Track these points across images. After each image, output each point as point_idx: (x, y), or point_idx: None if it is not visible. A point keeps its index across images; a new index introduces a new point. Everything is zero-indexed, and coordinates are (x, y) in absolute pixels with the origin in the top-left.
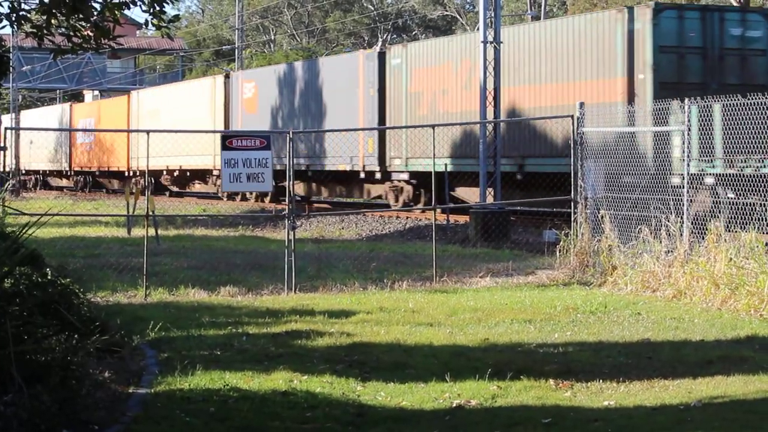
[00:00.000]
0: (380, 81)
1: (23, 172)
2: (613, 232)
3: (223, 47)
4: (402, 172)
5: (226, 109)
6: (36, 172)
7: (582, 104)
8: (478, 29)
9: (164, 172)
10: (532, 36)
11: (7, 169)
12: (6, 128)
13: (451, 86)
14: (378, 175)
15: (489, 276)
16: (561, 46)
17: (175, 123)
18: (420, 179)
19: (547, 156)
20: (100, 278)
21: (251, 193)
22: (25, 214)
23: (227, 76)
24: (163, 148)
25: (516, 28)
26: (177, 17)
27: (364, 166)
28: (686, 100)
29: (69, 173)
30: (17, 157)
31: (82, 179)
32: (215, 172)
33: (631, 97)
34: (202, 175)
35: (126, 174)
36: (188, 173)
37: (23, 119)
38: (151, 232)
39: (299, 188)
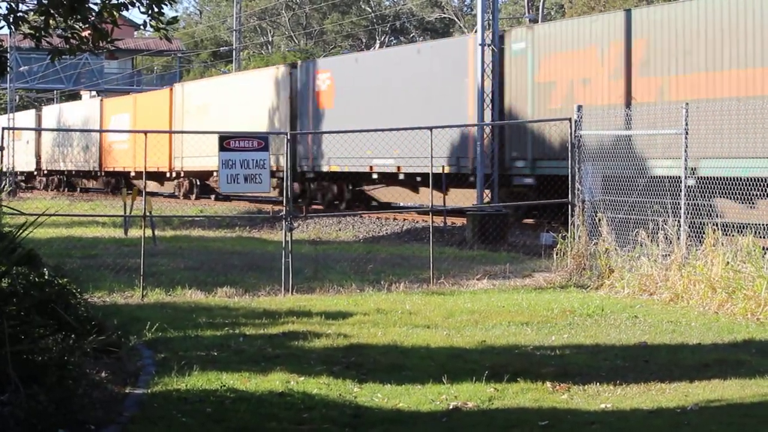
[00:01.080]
0: (498, 69)
1: (45, 172)
2: (610, 235)
3: (221, 48)
4: (527, 176)
5: (293, 104)
6: (60, 172)
7: (580, 107)
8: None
9: (214, 174)
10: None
11: (5, 169)
12: (3, 128)
13: (594, 74)
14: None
15: (486, 278)
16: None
17: (227, 120)
18: (544, 182)
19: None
20: (97, 278)
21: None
22: (22, 214)
23: (294, 66)
24: (212, 147)
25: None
26: (175, 19)
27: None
28: (685, 104)
29: (98, 174)
30: (39, 155)
31: (113, 181)
32: (279, 174)
33: None
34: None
35: (168, 175)
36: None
37: (46, 115)
38: (148, 232)
39: (393, 195)
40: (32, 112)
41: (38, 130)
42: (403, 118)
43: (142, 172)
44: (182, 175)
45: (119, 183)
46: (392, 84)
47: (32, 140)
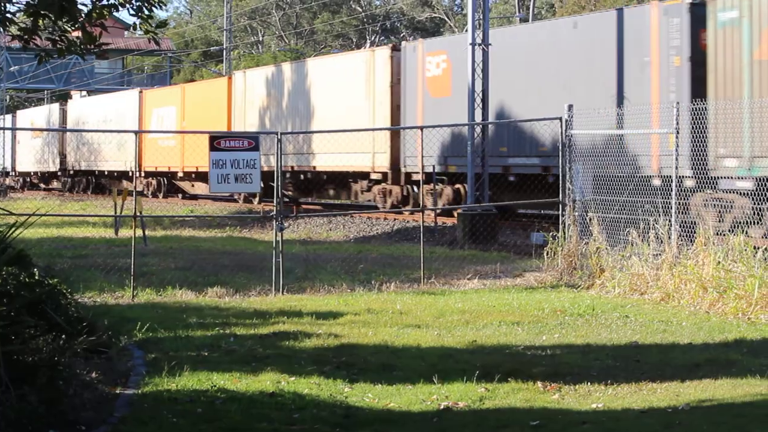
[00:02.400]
0: (694, 45)
1: (70, 172)
2: (601, 234)
3: (212, 48)
4: (741, 178)
5: (394, 92)
6: (88, 172)
7: (570, 106)
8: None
9: (288, 175)
10: None
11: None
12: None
13: None
14: (689, 182)
15: (477, 278)
16: None
17: (304, 113)
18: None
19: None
20: (87, 279)
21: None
22: (12, 214)
23: (396, 49)
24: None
25: None
26: (165, 23)
27: (660, 169)
28: (675, 102)
29: (136, 174)
30: (63, 155)
31: (154, 182)
32: (374, 176)
33: None
34: (343, 179)
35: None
36: (325, 176)
37: (73, 109)
38: (139, 232)
39: None
40: (56, 106)
41: (33, 130)
42: (550, 104)
43: (191, 173)
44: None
45: (161, 185)
46: (538, 64)
47: (54, 137)
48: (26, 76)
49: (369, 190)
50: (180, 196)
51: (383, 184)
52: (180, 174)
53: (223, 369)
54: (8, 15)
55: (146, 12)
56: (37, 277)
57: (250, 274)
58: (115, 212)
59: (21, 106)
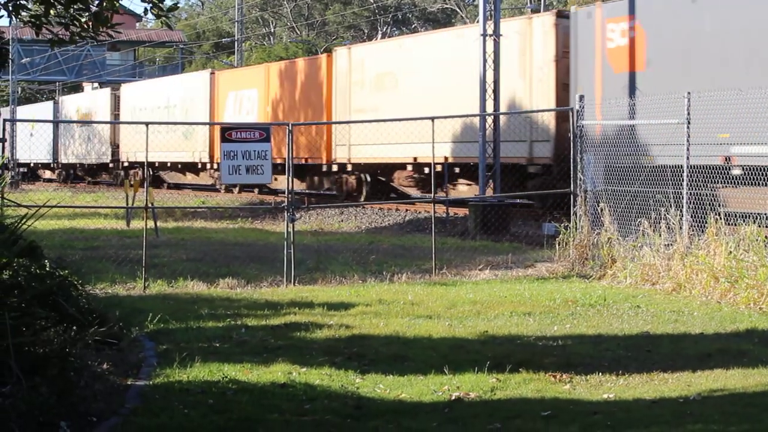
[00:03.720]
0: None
1: (125, 164)
2: (612, 225)
3: (223, 40)
4: None
5: (560, 67)
6: (149, 164)
7: (582, 97)
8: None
9: (408, 167)
10: None
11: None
12: (5, 120)
13: None
14: None
15: (488, 269)
16: None
17: (435, 94)
18: None
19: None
20: (99, 270)
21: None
22: (23, 206)
23: (561, 15)
24: (405, 132)
25: None
26: (176, 6)
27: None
28: (686, 93)
29: (207, 167)
30: (116, 145)
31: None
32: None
33: None
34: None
35: (325, 169)
36: (457, 168)
37: (126, 94)
38: (150, 224)
39: None
40: (106, 91)
41: (37, 122)
42: None
43: (281, 165)
44: (349, 168)
45: None
46: None
47: (106, 126)
48: (38, 68)
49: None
50: (256, 191)
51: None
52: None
53: (234, 360)
54: (21, 2)
55: None
56: (48, 269)
57: (261, 265)
58: (127, 203)
59: (32, 98)
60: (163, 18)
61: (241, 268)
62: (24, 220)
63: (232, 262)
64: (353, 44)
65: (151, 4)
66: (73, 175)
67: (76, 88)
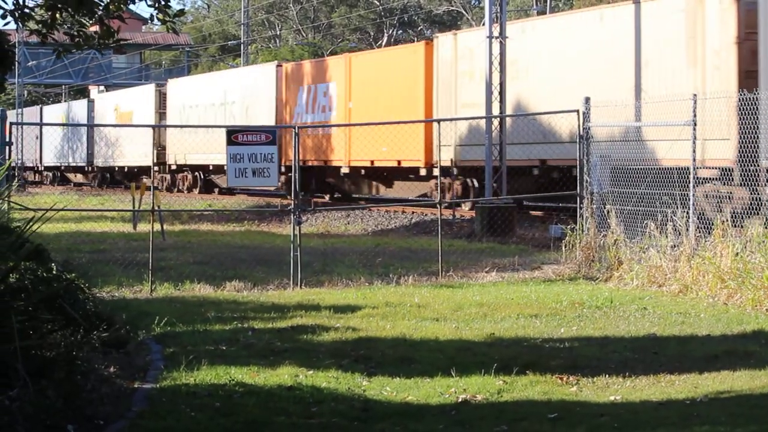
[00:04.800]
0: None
1: (173, 166)
2: (619, 227)
3: (229, 43)
4: None
5: (742, 50)
6: (197, 167)
7: (588, 99)
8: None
9: (535, 169)
10: None
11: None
12: (11, 123)
13: None
14: None
15: (495, 271)
16: None
17: (573, 84)
18: None
19: None
20: (105, 273)
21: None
22: (29, 209)
23: None
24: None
25: None
26: (182, 12)
27: None
28: (693, 96)
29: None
30: (161, 146)
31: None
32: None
33: None
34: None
35: (421, 172)
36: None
37: (174, 90)
38: (157, 227)
39: None
40: (150, 87)
41: (46, 125)
42: None
43: (361, 168)
44: (455, 171)
45: (309, 184)
46: None
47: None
48: (44, 71)
49: None
50: (336, 196)
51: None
52: (344, 170)
53: (241, 363)
54: (26, 10)
55: (162, 2)
56: (54, 272)
57: (268, 268)
58: (134, 207)
59: (39, 101)
60: (170, 23)
61: (247, 271)
62: (30, 223)
63: (238, 265)
64: (459, 30)
65: (157, 10)
66: (110, 179)
67: (83, 92)
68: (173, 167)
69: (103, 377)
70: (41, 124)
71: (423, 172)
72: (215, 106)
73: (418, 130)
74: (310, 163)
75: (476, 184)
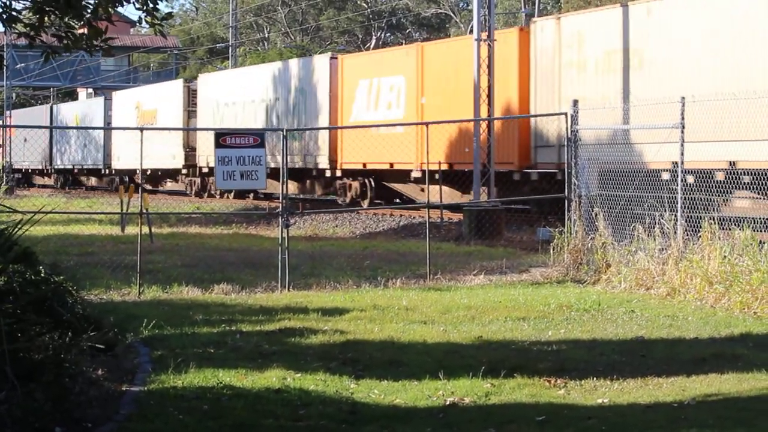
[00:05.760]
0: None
1: (205, 169)
2: (607, 229)
3: (217, 45)
4: None
5: None
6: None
7: (576, 102)
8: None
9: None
10: None
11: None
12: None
13: None
14: None
15: (483, 274)
16: None
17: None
18: None
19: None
20: (93, 276)
21: None
22: (17, 211)
23: None
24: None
25: None
26: (170, 15)
27: None
28: (681, 98)
29: (327, 174)
30: (190, 147)
31: (356, 184)
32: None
33: None
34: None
35: (515, 177)
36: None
37: (210, 82)
38: (145, 229)
39: None
40: (177, 83)
41: (31, 127)
42: None
43: (430, 172)
44: (560, 177)
45: (366, 189)
46: None
47: (176, 125)
48: (32, 74)
49: None
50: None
51: None
52: (416, 173)
53: (229, 366)
54: (14, 12)
55: (151, 5)
56: (43, 275)
57: (256, 271)
58: (122, 209)
59: (27, 103)
60: (158, 26)
61: (235, 274)
62: (19, 226)
63: (226, 268)
64: (565, 13)
65: (145, 13)
66: (129, 182)
67: (71, 94)
68: (204, 170)
69: (91, 380)
70: (49, 126)
71: (517, 176)
72: (255, 103)
73: (513, 129)
74: (370, 166)
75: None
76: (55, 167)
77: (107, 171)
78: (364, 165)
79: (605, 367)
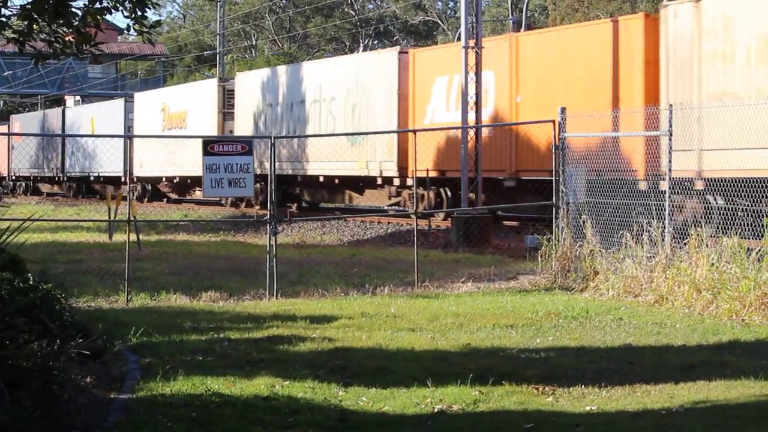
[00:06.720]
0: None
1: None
2: (594, 237)
3: (205, 53)
4: None
5: None
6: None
7: (563, 109)
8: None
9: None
10: None
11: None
12: None
13: None
14: None
15: (471, 281)
16: None
17: None
18: None
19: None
20: (81, 283)
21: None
22: (5, 219)
23: None
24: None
25: None
26: (159, 23)
27: None
28: (668, 105)
29: (394, 182)
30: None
31: (431, 194)
32: None
33: None
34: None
35: (640, 186)
36: None
37: (250, 81)
38: (133, 237)
39: None
40: (211, 82)
41: (24, 135)
42: None
43: (531, 181)
44: (699, 186)
45: (444, 198)
46: None
47: (213, 130)
48: (20, 81)
49: None
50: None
51: None
52: (509, 183)
53: (217, 373)
54: (3, 19)
55: (139, 13)
56: (31, 282)
57: (244, 279)
58: (109, 217)
59: (15, 110)
60: (146, 34)
61: (223, 281)
62: (6, 233)
63: (214, 275)
64: None
65: (134, 21)
66: (152, 191)
67: (59, 101)
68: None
69: (79, 387)
70: (61, 135)
71: (643, 185)
72: (306, 103)
73: (633, 131)
74: (450, 174)
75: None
76: (68, 175)
77: (125, 177)
78: (443, 172)
79: (593, 374)
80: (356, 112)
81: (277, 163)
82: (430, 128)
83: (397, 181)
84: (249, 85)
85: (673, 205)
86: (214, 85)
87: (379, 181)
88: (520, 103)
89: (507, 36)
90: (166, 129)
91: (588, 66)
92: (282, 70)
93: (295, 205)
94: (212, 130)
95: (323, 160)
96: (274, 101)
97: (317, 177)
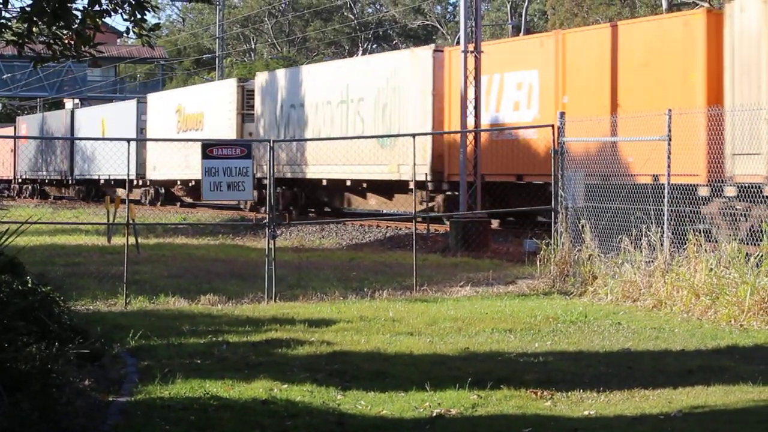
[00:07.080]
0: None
1: (265, 182)
2: (593, 241)
3: (204, 56)
4: None
5: None
6: (293, 182)
7: (562, 113)
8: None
9: None
10: None
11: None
12: None
13: None
14: None
15: (469, 285)
16: None
17: None
18: None
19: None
20: (80, 286)
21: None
22: (4, 222)
23: None
24: None
25: None
26: (158, 26)
27: None
28: (667, 110)
29: (429, 186)
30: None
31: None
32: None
33: None
34: None
35: (701, 191)
36: None
37: (272, 81)
38: (132, 240)
39: None
40: (229, 83)
41: (22, 138)
42: None
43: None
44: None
45: (487, 202)
46: None
47: (232, 131)
48: (19, 84)
49: None
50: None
51: None
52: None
53: (215, 376)
54: (2, 21)
55: (138, 16)
56: (30, 285)
57: (242, 282)
58: (108, 220)
59: (14, 113)
60: (145, 37)
61: (222, 285)
62: (5, 236)
63: (213, 279)
64: None
65: (133, 23)
66: (165, 195)
67: (57, 104)
68: (264, 182)
69: (78, 390)
70: (70, 138)
71: (704, 191)
72: (332, 105)
73: (695, 133)
74: (490, 179)
75: None
76: (77, 177)
77: (141, 182)
78: (482, 176)
79: (592, 378)
80: (387, 113)
81: (302, 167)
82: (432, 132)
83: (431, 186)
84: (271, 85)
85: (739, 213)
86: (233, 85)
87: (411, 186)
88: (567, 104)
89: (554, 33)
90: (181, 131)
91: (639, 65)
92: (305, 69)
93: (296, 209)
94: (230, 133)
95: (350, 164)
96: (297, 102)
97: (344, 181)
